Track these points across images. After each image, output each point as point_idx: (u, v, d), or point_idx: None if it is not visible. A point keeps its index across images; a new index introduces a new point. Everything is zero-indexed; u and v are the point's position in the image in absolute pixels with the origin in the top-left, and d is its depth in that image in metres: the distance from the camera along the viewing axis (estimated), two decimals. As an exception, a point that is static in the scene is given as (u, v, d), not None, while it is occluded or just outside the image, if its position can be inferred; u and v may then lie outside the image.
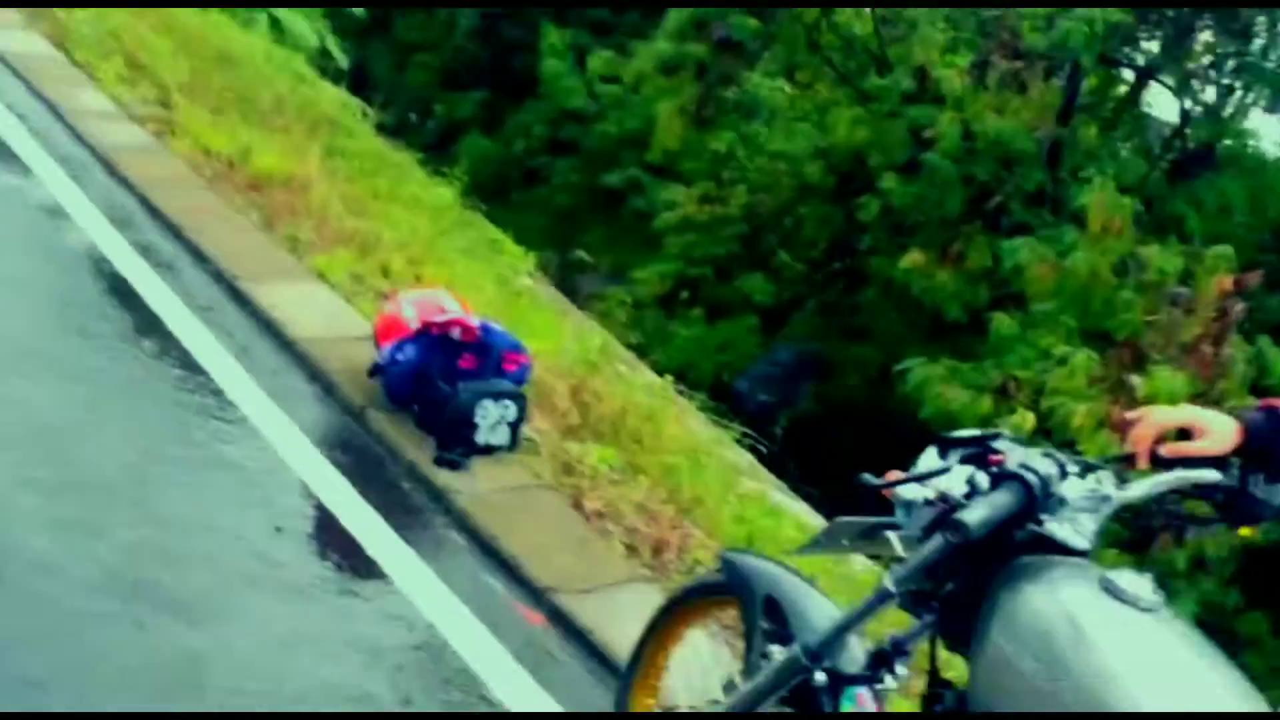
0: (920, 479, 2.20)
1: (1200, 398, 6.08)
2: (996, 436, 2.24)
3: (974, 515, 1.97)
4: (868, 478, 2.24)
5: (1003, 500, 2.02)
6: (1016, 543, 2.09)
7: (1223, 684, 1.92)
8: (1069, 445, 6.11)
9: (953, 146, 8.60)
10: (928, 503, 2.19)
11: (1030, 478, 2.04)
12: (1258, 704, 1.92)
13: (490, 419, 4.23)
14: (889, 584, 2.14)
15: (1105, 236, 7.01)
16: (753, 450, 5.74)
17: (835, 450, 8.82)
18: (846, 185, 9.80)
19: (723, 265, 10.07)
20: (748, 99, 11.09)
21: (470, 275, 5.92)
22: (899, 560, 2.20)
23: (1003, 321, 7.17)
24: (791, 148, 9.89)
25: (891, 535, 2.37)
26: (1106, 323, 6.67)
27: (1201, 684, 1.92)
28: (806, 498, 5.77)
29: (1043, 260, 7.15)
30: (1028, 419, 6.27)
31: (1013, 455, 2.15)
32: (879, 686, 2.40)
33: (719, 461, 5.02)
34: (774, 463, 6.24)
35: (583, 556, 3.94)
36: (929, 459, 2.25)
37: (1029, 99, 8.80)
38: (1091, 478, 2.13)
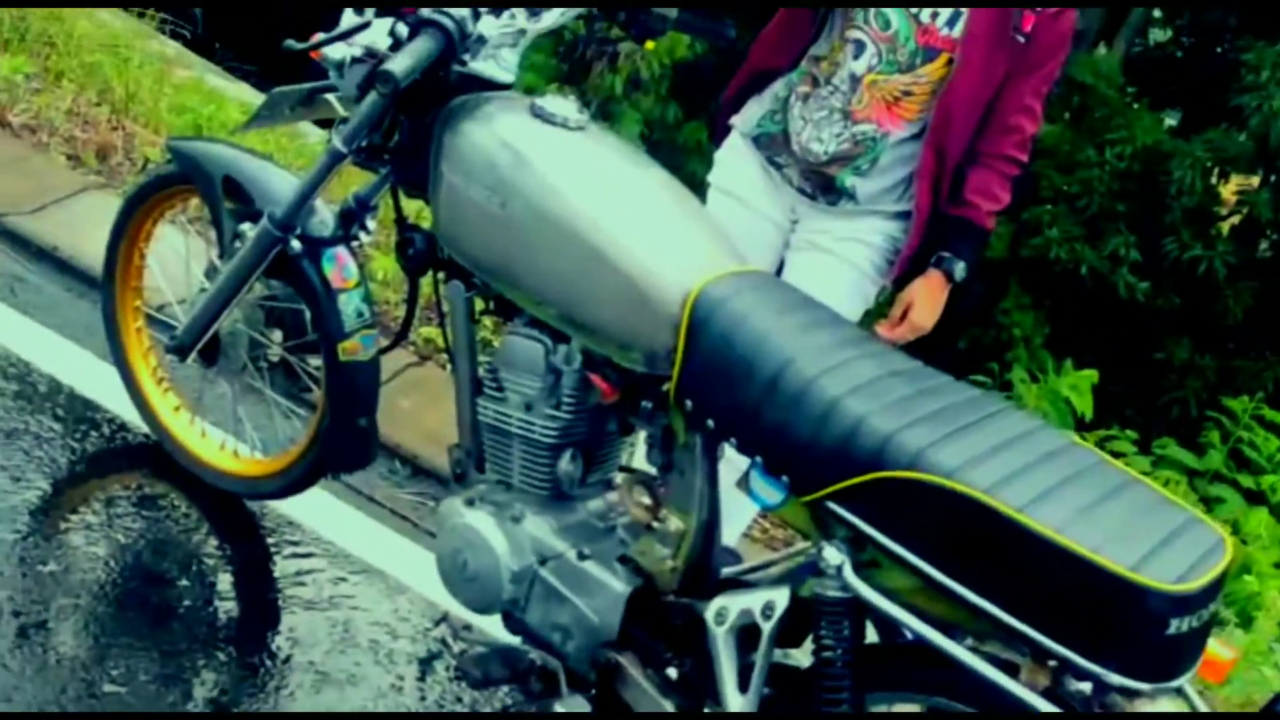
0: (343, 37, 2.25)
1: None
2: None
3: (399, 65, 2.04)
4: (291, 43, 2.28)
5: (424, 46, 2.10)
6: (448, 86, 2.21)
7: (655, 182, 2.18)
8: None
9: None
10: (356, 60, 2.26)
11: (446, 22, 2.12)
12: (685, 196, 2.19)
13: None
14: (338, 144, 2.22)
15: None
16: (175, 37, 5.50)
17: (262, 23, 8.46)
18: None
19: None
20: None
21: None
22: (344, 121, 2.26)
23: None
24: None
25: (330, 98, 2.44)
26: None
27: (634, 184, 2.17)
28: (244, 77, 5.63)
29: None
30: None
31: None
32: (355, 244, 2.55)
33: (144, 54, 4.78)
34: (201, 47, 6.00)
35: (24, 174, 3.75)
36: (348, 18, 2.29)
37: None
38: (505, 15, 2.25)
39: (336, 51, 2.28)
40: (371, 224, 2.55)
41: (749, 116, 2.83)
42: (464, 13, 2.16)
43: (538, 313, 2.13)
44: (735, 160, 2.86)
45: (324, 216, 2.51)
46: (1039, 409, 4.94)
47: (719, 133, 2.93)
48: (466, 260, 2.19)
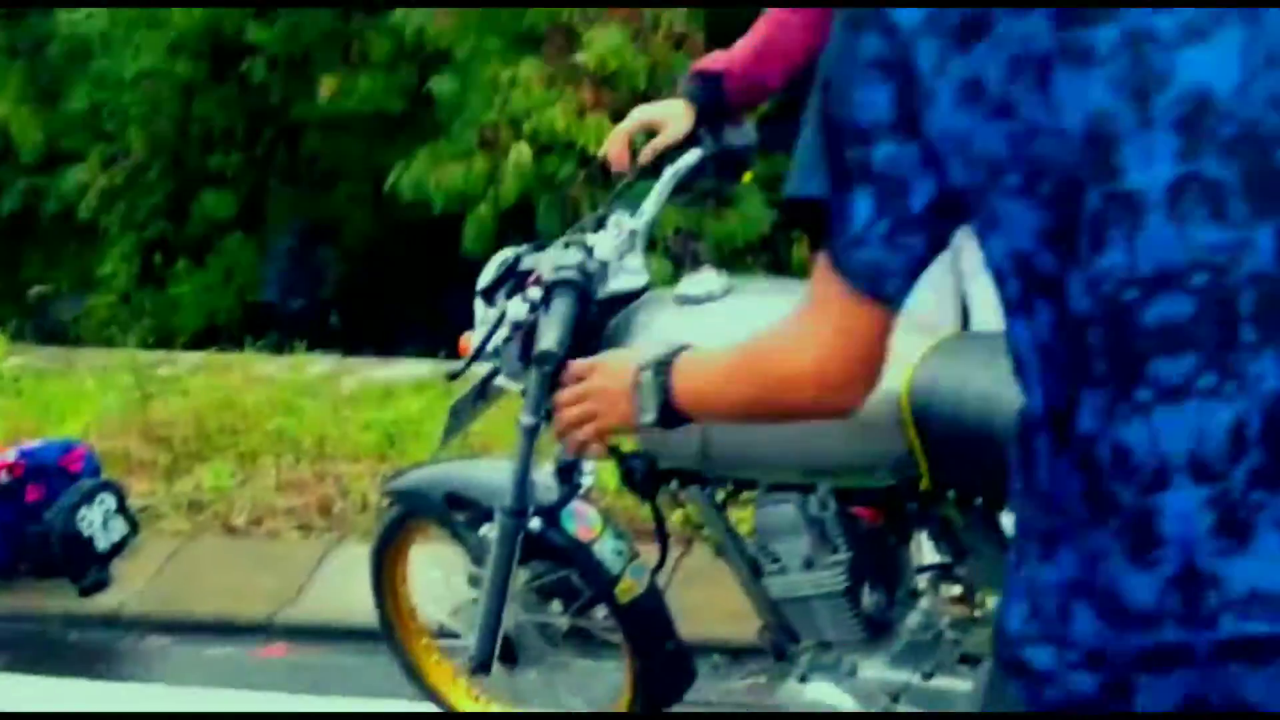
0: (487, 340, 2.30)
1: (637, 41, 6.33)
2: (517, 260, 2.34)
3: (549, 339, 2.07)
4: (454, 369, 2.38)
5: (562, 308, 2.12)
6: (597, 319, 2.24)
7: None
8: (571, 145, 6.28)
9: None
10: (507, 340, 2.29)
11: (569, 275, 2.14)
12: None
13: (96, 522, 3.97)
14: (527, 420, 2.22)
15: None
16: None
17: (380, 292, 8.76)
18: (222, 57, 9.33)
19: (172, 210, 9.55)
20: (66, 44, 10.17)
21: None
22: (524, 392, 2.27)
23: (441, 84, 7.14)
24: (149, 63, 9.28)
25: (500, 381, 2.46)
26: (525, 25, 6.78)
27: None
28: (381, 351, 5.78)
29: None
30: (524, 152, 6.36)
31: (543, 264, 2.25)
32: (583, 491, 2.50)
33: (303, 387, 4.97)
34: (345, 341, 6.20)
35: (272, 568, 3.88)
36: (481, 313, 2.35)
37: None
38: (611, 224, 2.28)
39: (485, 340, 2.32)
40: (588, 466, 2.52)
41: None
42: (578, 255, 2.20)
43: (775, 479, 2.17)
44: None
45: (546, 483, 2.49)
46: None
47: None
48: (689, 463, 2.22)
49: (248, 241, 9.23)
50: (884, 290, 1.26)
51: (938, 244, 1.27)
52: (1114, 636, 1.16)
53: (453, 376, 2.39)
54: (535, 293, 2.19)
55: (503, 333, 2.30)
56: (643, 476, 2.32)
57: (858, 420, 1.83)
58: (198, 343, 7.19)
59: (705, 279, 2.22)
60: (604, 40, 6.26)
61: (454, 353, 2.54)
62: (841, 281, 1.26)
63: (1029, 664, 1.22)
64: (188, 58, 9.08)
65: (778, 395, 1.42)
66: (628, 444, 2.41)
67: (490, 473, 2.60)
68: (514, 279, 2.31)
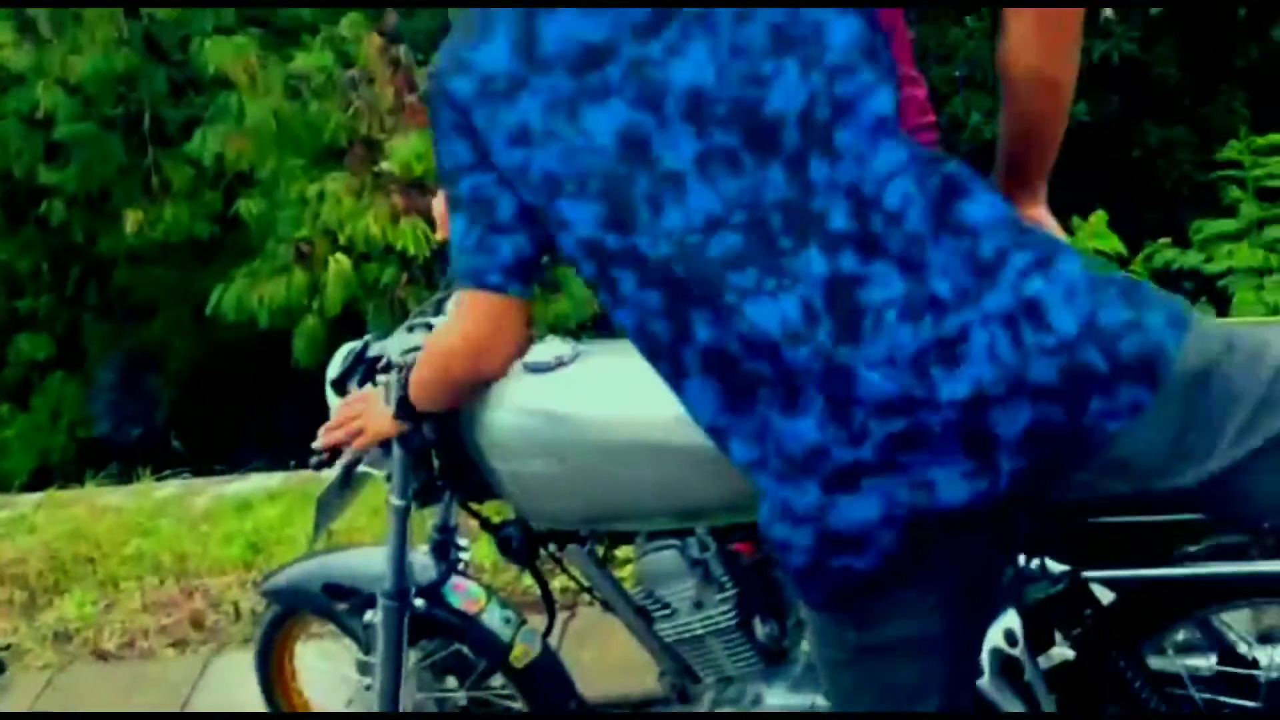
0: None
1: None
2: (365, 347, 2.44)
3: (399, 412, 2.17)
4: (314, 460, 2.42)
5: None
6: None
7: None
8: (390, 249, 6.44)
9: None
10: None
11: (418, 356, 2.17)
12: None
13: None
14: (395, 501, 2.33)
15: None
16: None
17: (216, 412, 8.75)
18: (17, 201, 9.21)
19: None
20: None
21: None
22: (389, 477, 2.35)
23: (249, 206, 7.23)
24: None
25: (364, 467, 2.48)
26: (326, 140, 6.94)
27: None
28: (233, 467, 5.84)
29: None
30: (342, 262, 6.50)
31: (390, 347, 2.34)
32: (460, 567, 2.61)
33: (154, 509, 5.00)
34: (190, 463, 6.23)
35: (153, 688, 3.90)
36: (334, 404, 2.41)
37: None
38: (451, 306, 2.32)
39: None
40: (463, 541, 2.62)
41: None
42: (424, 336, 2.26)
43: (652, 528, 2.22)
44: None
45: (423, 563, 2.57)
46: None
47: None
48: (565, 524, 2.29)
49: (70, 379, 9.13)
50: (485, 282, 1.71)
51: (538, 243, 1.69)
52: (804, 478, 1.56)
53: (318, 466, 2.42)
54: (394, 378, 2.21)
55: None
56: (519, 544, 2.36)
57: (724, 461, 2.02)
58: (33, 484, 7.10)
59: (552, 346, 2.23)
60: (406, 146, 6.47)
61: (303, 461, 2.54)
62: (459, 283, 1.75)
63: (775, 542, 1.64)
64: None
65: (449, 368, 1.92)
66: (500, 513, 2.47)
67: (365, 559, 2.64)
68: (364, 366, 2.39)
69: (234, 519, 4.76)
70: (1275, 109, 8.17)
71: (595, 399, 2.18)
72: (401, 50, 6.89)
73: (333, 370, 2.48)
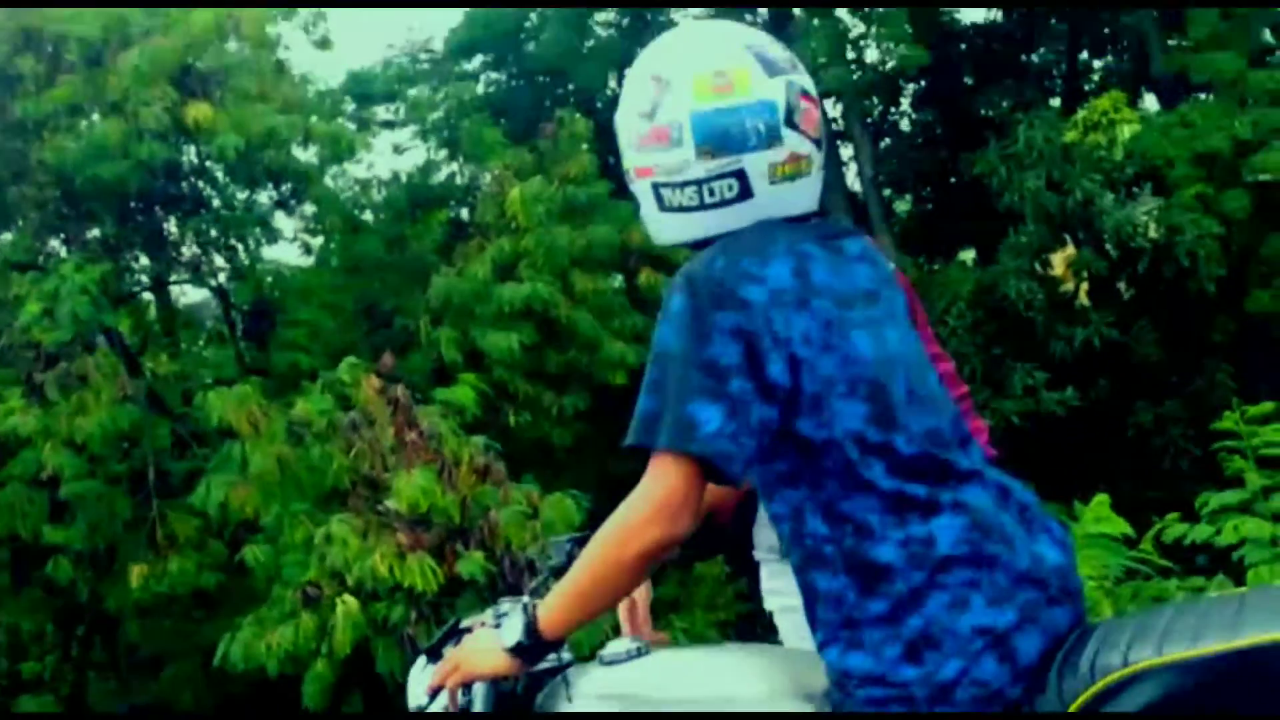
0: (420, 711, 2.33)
1: (443, 478, 6.65)
2: (457, 621, 2.42)
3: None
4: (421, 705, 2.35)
5: (483, 696, 2.21)
6: (525, 691, 2.30)
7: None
8: (398, 587, 6.42)
9: None
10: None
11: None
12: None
13: None
14: None
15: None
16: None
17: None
18: (23, 561, 9.27)
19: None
20: None
21: None
22: None
23: (254, 553, 7.26)
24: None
25: None
26: (329, 484, 7.05)
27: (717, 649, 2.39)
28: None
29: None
30: (350, 603, 6.48)
31: (486, 615, 2.34)
32: None
33: None
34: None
35: None
36: (419, 672, 2.37)
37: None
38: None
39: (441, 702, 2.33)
40: None
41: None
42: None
43: None
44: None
45: None
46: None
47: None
48: None
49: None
50: (697, 447, 1.89)
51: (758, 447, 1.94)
52: None
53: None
54: (506, 607, 2.24)
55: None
56: None
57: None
58: None
59: (622, 643, 2.28)
60: (411, 483, 6.55)
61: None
62: (683, 460, 1.89)
63: None
64: (-12, 568, 9.00)
65: (637, 536, 1.96)
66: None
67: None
68: (458, 635, 2.37)
69: None
70: (1259, 377, 8.35)
71: (669, 683, 2.22)
72: (399, 390, 7.05)
73: (414, 682, 2.40)
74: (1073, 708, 1.85)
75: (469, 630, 2.37)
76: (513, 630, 2.12)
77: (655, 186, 2.07)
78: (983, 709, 1.89)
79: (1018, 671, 1.89)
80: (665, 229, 2.11)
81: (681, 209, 2.07)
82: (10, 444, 8.10)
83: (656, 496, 1.93)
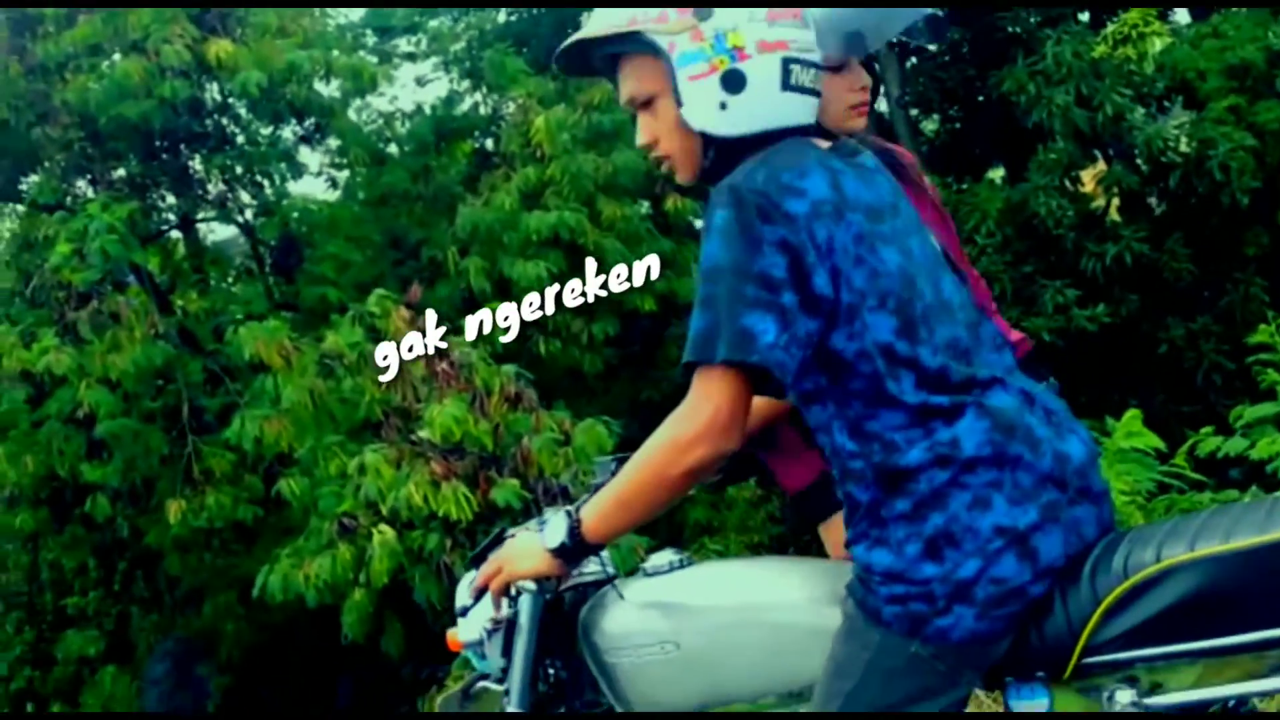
0: (465, 613, 2.41)
1: (474, 407, 6.68)
2: (502, 531, 2.49)
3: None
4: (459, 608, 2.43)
5: (529, 606, 2.25)
6: (570, 605, 2.40)
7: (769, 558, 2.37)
8: (433, 516, 6.46)
9: None
10: (490, 632, 2.38)
11: (531, 587, 2.25)
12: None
13: None
14: (515, 709, 2.24)
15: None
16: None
17: (270, 695, 8.69)
18: (62, 501, 9.40)
19: (37, 658, 9.45)
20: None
21: None
22: (506, 692, 2.29)
23: (290, 485, 7.32)
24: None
25: (485, 684, 2.51)
26: (360, 416, 7.10)
27: (756, 562, 2.55)
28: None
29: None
30: (387, 533, 6.53)
31: (531, 525, 2.41)
32: None
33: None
34: None
35: None
36: (468, 578, 2.44)
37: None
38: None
39: (470, 633, 2.43)
40: None
41: None
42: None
43: (759, 709, 2.24)
44: None
45: None
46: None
47: None
48: (687, 708, 2.29)
49: (121, 673, 9.11)
50: (786, 382, 1.94)
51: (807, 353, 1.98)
52: None
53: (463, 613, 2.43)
54: (549, 513, 2.30)
55: (482, 623, 2.37)
56: None
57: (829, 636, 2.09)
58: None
59: (665, 555, 2.36)
60: (443, 413, 6.58)
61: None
62: (735, 375, 1.92)
63: None
64: (27, 508, 9.13)
65: (678, 463, 1.98)
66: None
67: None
68: (502, 543, 2.41)
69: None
70: (1294, 290, 8.27)
71: (711, 591, 2.31)
72: (429, 319, 7.05)
73: (462, 590, 2.48)
74: (1105, 603, 1.87)
75: (514, 537, 2.41)
76: (556, 532, 2.17)
77: (786, 61, 2.01)
78: (1003, 607, 1.90)
79: (1039, 570, 1.91)
80: (775, 110, 2.05)
81: (801, 89, 2.04)
82: (45, 384, 8.18)
83: (707, 412, 1.94)
